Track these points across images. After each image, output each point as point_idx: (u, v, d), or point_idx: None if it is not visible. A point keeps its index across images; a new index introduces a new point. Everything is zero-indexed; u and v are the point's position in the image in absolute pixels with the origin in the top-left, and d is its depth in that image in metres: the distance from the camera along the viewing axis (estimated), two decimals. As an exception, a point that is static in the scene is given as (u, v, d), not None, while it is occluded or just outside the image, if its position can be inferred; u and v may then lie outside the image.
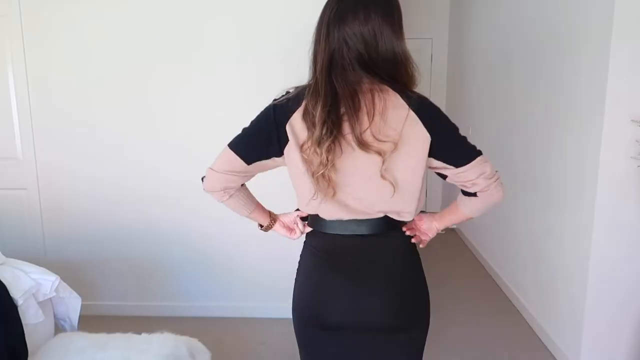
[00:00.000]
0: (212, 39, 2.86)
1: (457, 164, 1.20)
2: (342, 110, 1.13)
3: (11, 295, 1.91)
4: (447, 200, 5.57)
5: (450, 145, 1.20)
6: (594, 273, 2.34)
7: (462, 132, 1.22)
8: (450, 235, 4.88)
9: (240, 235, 3.01)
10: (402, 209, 1.24)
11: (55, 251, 3.08)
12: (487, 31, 4.08)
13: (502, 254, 3.65)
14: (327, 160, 1.13)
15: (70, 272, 2.76)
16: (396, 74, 1.17)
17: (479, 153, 1.21)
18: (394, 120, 1.15)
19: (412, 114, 1.15)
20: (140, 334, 2.07)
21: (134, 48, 2.88)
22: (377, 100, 1.14)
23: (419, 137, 1.16)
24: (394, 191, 1.19)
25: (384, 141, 1.14)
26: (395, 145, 1.15)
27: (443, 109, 4.74)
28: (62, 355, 1.90)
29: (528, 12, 3.17)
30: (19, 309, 1.93)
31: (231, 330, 2.92)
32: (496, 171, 1.23)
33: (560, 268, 2.65)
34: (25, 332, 1.92)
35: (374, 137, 1.14)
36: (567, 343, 2.56)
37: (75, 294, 2.24)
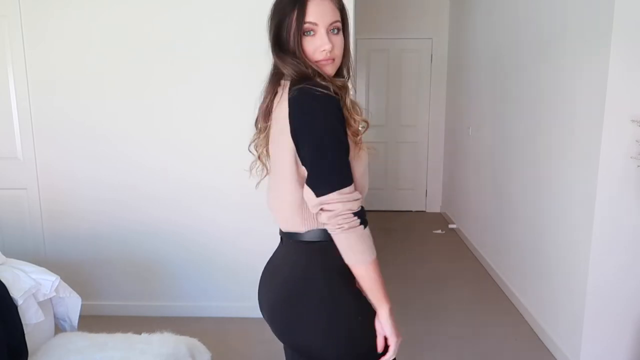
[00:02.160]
0: (212, 38, 2.86)
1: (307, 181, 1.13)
2: None
3: (11, 295, 1.91)
4: (448, 201, 5.57)
5: (307, 154, 1.11)
6: (594, 273, 2.34)
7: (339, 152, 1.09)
8: (450, 235, 4.88)
9: (240, 235, 3.02)
10: (274, 212, 1.27)
11: (55, 251, 3.08)
12: (487, 31, 4.08)
13: (501, 253, 3.65)
14: None
15: (70, 272, 2.76)
16: (301, 70, 1.15)
17: (330, 188, 1.07)
18: (275, 114, 1.20)
19: (285, 107, 1.13)
20: (140, 334, 2.07)
21: (134, 48, 2.88)
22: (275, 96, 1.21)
23: (285, 132, 1.13)
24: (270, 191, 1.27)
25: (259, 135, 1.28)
26: (264, 134, 1.25)
27: (443, 109, 4.71)
28: (62, 355, 1.90)
29: (528, 12, 3.17)
30: (19, 309, 1.92)
31: (231, 330, 2.92)
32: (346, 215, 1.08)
33: (561, 268, 2.65)
34: (25, 332, 1.92)
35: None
36: (567, 343, 2.56)
37: (75, 294, 2.24)
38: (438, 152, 5.71)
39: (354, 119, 1.15)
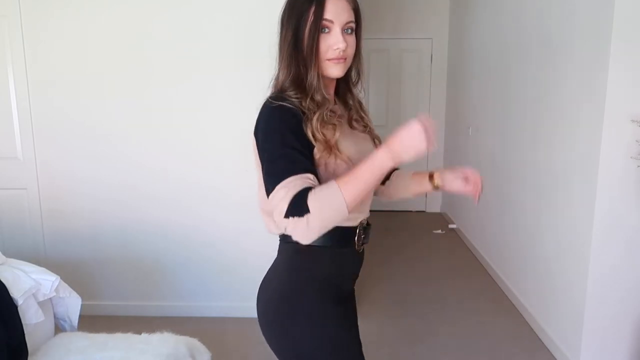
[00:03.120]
0: (212, 38, 2.86)
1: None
2: None
3: (11, 295, 1.91)
4: (448, 201, 5.57)
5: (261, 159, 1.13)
6: (594, 273, 2.34)
7: (286, 153, 1.05)
8: (449, 235, 4.88)
9: (240, 235, 3.02)
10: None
11: (55, 251, 3.08)
12: (487, 31, 4.08)
13: (501, 253, 3.65)
14: None
15: (70, 272, 2.76)
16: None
17: (274, 185, 1.04)
18: None
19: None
20: (140, 334, 2.07)
21: (134, 48, 2.88)
22: None
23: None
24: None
25: None
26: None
27: (443, 109, 4.75)
28: (62, 355, 1.90)
29: (528, 12, 3.17)
30: (19, 309, 1.92)
31: (231, 330, 2.92)
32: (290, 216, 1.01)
33: (560, 268, 2.65)
34: (25, 332, 1.92)
35: None
36: (567, 343, 2.56)
37: (75, 294, 2.24)
38: (438, 152, 5.71)
39: (323, 134, 1.10)
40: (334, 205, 1.01)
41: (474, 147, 4.37)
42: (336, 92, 1.29)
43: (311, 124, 1.09)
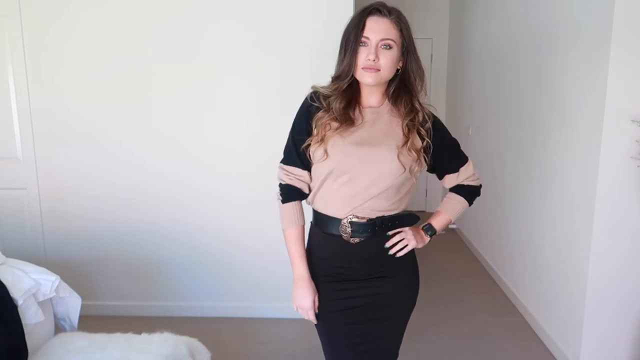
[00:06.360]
0: (215, 42, 2.86)
1: None
2: None
3: (11, 295, 1.91)
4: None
5: None
6: (594, 273, 2.34)
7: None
8: (449, 235, 4.88)
9: (241, 235, 3.02)
10: None
11: (55, 251, 3.08)
12: (488, 31, 4.08)
13: (502, 253, 3.65)
14: None
15: (70, 272, 2.76)
16: None
17: None
18: None
19: None
20: (140, 334, 2.07)
21: (135, 48, 2.87)
22: None
23: None
24: None
25: None
26: None
27: (443, 109, 4.77)
28: (62, 355, 1.90)
29: (528, 12, 3.17)
30: (19, 309, 1.92)
31: (231, 330, 2.92)
32: None
33: (561, 268, 2.65)
34: (25, 332, 1.92)
35: None
36: (567, 343, 2.56)
37: (75, 294, 2.24)
38: (438, 152, 5.70)
39: (315, 130, 1.38)
40: (282, 221, 1.50)
41: (474, 147, 4.37)
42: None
43: (316, 118, 1.39)
